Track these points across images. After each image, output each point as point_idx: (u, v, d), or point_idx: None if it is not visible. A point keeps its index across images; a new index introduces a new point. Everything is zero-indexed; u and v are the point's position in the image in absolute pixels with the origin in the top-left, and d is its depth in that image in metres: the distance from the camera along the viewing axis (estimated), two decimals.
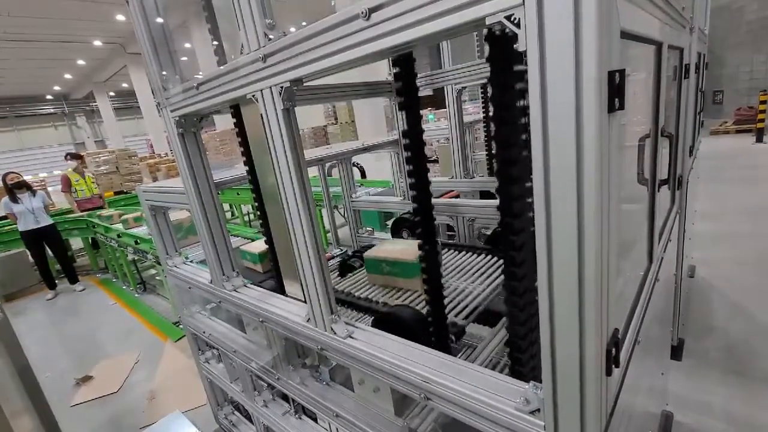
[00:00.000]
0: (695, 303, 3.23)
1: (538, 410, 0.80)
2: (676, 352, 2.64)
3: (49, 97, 24.80)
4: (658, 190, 1.33)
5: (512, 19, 0.59)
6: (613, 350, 0.73)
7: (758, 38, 10.53)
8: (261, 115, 1.11)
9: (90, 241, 6.41)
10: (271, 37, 1.00)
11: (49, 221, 5.38)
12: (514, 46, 0.60)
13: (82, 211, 6.32)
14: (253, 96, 1.10)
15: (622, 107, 0.61)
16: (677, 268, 2.27)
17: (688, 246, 2.78)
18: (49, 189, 10.00)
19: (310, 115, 16.01)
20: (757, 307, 3.06)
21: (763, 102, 8.56)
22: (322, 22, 0.85)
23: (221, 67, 1.20)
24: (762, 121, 8.65)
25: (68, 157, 6.59)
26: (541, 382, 0.78)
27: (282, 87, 1.01)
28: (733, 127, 10.04)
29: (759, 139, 8.66)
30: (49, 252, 5.61)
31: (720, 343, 2.75)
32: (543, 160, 0.62)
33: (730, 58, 11.07)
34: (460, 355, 1.58)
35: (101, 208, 6.50)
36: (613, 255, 0.69)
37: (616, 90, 0.59)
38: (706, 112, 9.47)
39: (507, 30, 0.61)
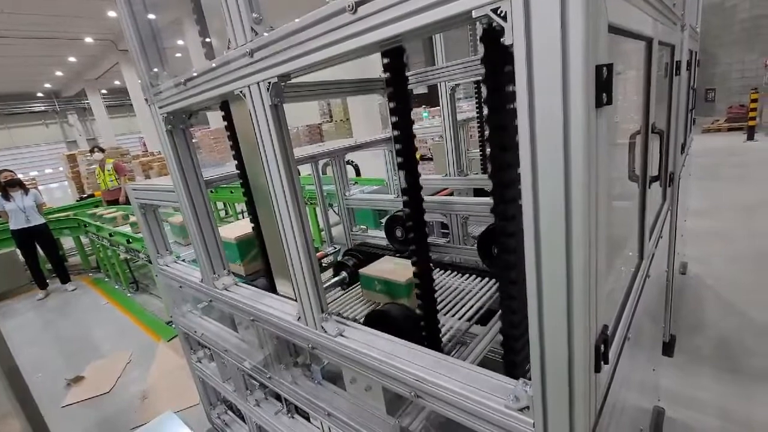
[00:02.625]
0: (687, 299, 3.25)
1: (528, 408, 0.80)
2: (668, 349, 2.65)
3: (39, 94, 24.46)
4: (649, 187, 1.33)
5: (499, 12, 0.59)
6: (602, 347, 0.73)
7: (751, 37, 10.61)
8: (249, 111, 1.09)
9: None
10: (258, 31, 0.98)
11: (40, 220, 5.32)
12: (501, 39, 0.60)
13: (105, 202, 6.82)
14: (241, 92, 1.09)
15: (610, 102, 0.61)
16: (669, 264, 2.28)
17: (680, 243, 2.80)
18: (40, 187, 9.88)
19: (305, 113, 15.96)
20: (748, 304, 3.09)
21: (754, 100, 8.64)
22: (309, 16, 0.84)
23: (209, 63, 1.18)
24: (753, 119, 8.73)
25: (95, 149, 7.25)
26: (530, 379, 0.77)
27: (270, 82, 1.00)
28: (725, 126, 10.13)
29: (750, 137, 8.74)
30: (41, 251, 5.56)
31: (711, 340, 2.77)
32: (530, 156, 0.62)
33: (723, 57, 11.15)
34: (452, 353, 1.58)
35: (115, 202, 6.63)
36: (601, 252, 0.69)
37: (603, 84, 0.58)
38: (699, 110, 9.54)
39: (494, 23, 0.60)
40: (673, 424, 2.18)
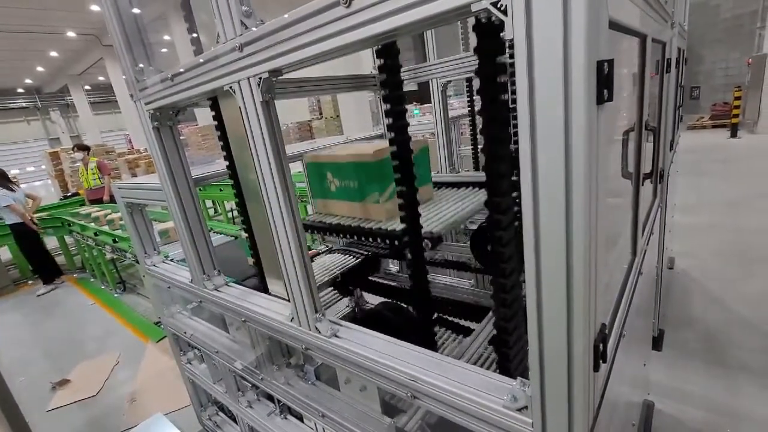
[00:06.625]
0: (675, 294, 3.30)
1: (526, 407, 0.79)
2: (657, 343, 2.69)
3: (20, 90, 23.77)
4: (642, 184, 1.34)
5: (499, 5, 0.57)
6: (601, 345, 0.72)
7: (734, 35, 10.82)
8: (239, 107, 1.06)
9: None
10: (247, 25, 0.95)
11: (9, 221, 5.20)
12: (501, 34, 0.58)
13: (89, 201, 6.63)
14: (231, 88, 1.06)
15: (610, 99, 0.60)
16: (658, 260, 2.31)
17: (668, 238, 2.84)
18: (23, 186, 9.60)
19: (295, 110, 15.81)
20: (734, 297, 3.15)
21: (737, 98, 8.81)
22: (301, 9, 0.81)
23: (197, 58, 1.14)
24: (736, 116, 8.90)
25: (75, 148, 7.15)
26: (528, 378, 0.77)
27: (260, 78, 0.97)
28: (709, 123, 10.33)
29: (733, 134, 8.92)
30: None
31: (699, 334, 2.82)
32: (531, 153, 0.61)
33: (707, 55, 11.36)
34: (445, 350, 1.57)
35: (99, 201, 6.48)
36: (601, 249, 0.68)
37: (604, 80, 0.57)
38: (685, 107, 9.69)
39: (493, 18, 0.59)
40: (662, 416, 2.21)
